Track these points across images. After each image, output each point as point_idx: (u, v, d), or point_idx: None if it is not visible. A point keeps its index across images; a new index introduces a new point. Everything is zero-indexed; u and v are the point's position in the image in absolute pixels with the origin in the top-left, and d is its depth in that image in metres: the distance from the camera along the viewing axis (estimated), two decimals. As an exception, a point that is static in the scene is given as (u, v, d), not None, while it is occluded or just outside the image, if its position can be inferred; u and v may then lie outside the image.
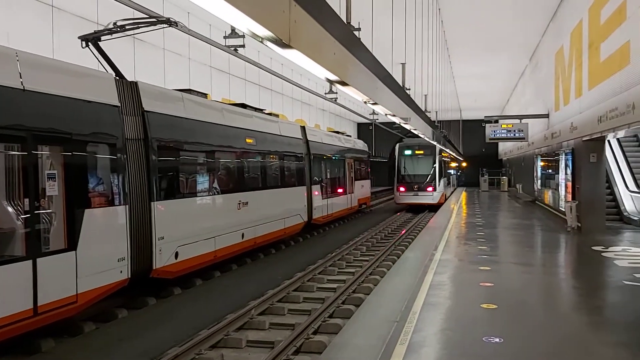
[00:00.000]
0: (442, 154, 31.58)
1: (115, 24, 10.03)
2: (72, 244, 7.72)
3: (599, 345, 6.25)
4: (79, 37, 9.87)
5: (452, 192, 39.65)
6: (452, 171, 42.91)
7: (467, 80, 34.43)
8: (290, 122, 20.23)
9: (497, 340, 6.17)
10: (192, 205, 11.34)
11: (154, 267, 9.74)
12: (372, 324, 6.95)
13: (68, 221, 7.72)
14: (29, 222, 7.05)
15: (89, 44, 9.87)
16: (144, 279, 9.85)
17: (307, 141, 19.40)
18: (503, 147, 48.13)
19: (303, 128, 19.62)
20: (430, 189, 29.31)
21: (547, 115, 22.29)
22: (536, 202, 27.25)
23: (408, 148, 30.51)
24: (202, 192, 11.83)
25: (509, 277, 9.98)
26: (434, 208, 28.00)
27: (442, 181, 30.26)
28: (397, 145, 31.61)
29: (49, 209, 7.53)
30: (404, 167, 30.17)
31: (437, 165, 29.79)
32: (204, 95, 12.95)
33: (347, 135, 28.71)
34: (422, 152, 30.00)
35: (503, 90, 40.24)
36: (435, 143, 27.42)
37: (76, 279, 7.74)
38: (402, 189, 29.65)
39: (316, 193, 19.63)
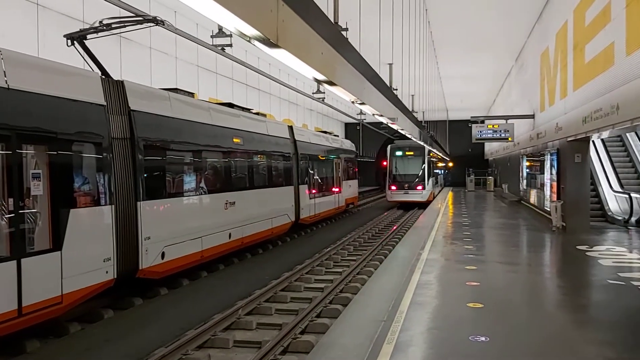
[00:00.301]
0: (431, 155, 33.37)
1: (101, 22, 9.95)
2: (57, 244, 7.66)
3: (583, 344, 6.32)
4: (65, 36, 9.78)
5: (439, 191, 41.25)
6: (438, 171, 44.94)
7: (454, 80, 34.61)
8: (278, 122, 20.21)
9: (483, 339, 6.21)
10: (178, 205, 11.28)
11: (140, 268, 9.69)
12: (360, 323, 6.97)
13: (53, 221, 7.65)
14: (13, 222, 6.98)
15: (75, 42, 9.78)
16: (130, 280, 9.79)
17: (294, 141, 19.38)
18: (489, 147, 48.46)
19: (291, 128, 19.61)
20: (419, 187, 31.01)
21: (532, 116, 22.47)
22: (522, 201, 27.47)
23: (399, 149, 32.13)
24: (189, 192, 11.77)
25: (495, 276, 10.05)
26: (423, 205, 29.46)
27: (430, 180, 32.02)
28: (389, 146, 32.99)
29: (34, 209, 7.46)
30: (395, 167, 31.85)
31: (426, 165, 31.53)
32: (191, 94, 12.90)
33: (335, 135, 28.75)
34: (412, 153, 31.63)
35: (489, 91, 40.50)
36: (423, 144, 28.79)
37: (61, 280, 7.67)
38: (393, 187, 31.33)
39: (304, 193, 19.62)
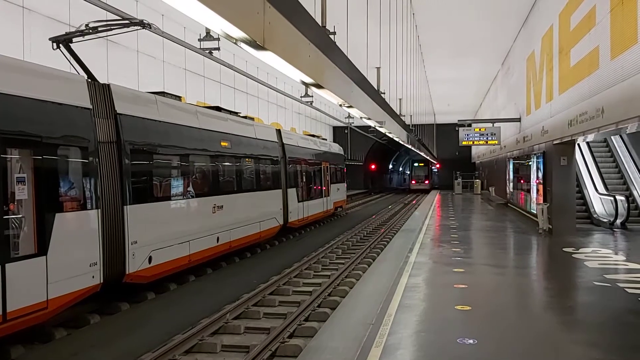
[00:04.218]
0: (430, 163, 59.40)
1: (87, 25, 9.87)
2: (42, 248, 7.57)
3: (570, 345, 6.37)
4: (50, 39, 9.70)
5: (435, 184, 63.82)
6: (435, 172, 66.57)
7: (441, 84, 34.82)
8: (266, 125, 20.17)
9: (471, 341, 6.23)
10: (166, 209, 11.22)
11: (127, 272, 9.61)
12: (348, 326, 6.96)
13: (38, 225, 7.57)
14: (-2, 227, 6.89)
15: (60, 45, 9.70)
16: (117, 284, 9.71)
17: (282, 144, 19.36)
18: (476, 150, 48.76)
19: (279, 131, 19.57)
20: (427, 181, 60.56)
21: (519, 119, 22.64)
22: (508, 204, 27.64)
23: (416, 161, 61.16)
24: (176, 196, 11.70)
25: (483, 278, 10.10)
26: (427, 191, 53.53)
27: (431, 177, 61.93)
28: (410, 160, 64.79)
29: (19, 213, 7.37)
30: (414, 171, 62.24)
31: (429, 170, 61.02)
32: (178, 98, 12.84)
33: (323, 139, 28.76)
34: (422, 164, 60.30)
35: (476, 95, 40.78)
36: (429, 158, 51.97)
37: (47, 285, 7.59)
38: (413, 182, 61.61)
39: (292, 196, 19.58)
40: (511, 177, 27.08)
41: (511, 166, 26.69)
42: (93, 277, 8.62)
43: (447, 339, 6.41)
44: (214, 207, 13.13)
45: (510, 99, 26.05)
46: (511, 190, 27.21)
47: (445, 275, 10.14)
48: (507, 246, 15.15)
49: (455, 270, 10.50)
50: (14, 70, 7.67)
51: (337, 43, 9.20)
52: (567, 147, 15.52)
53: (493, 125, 25.74)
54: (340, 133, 51.03)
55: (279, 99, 31.42)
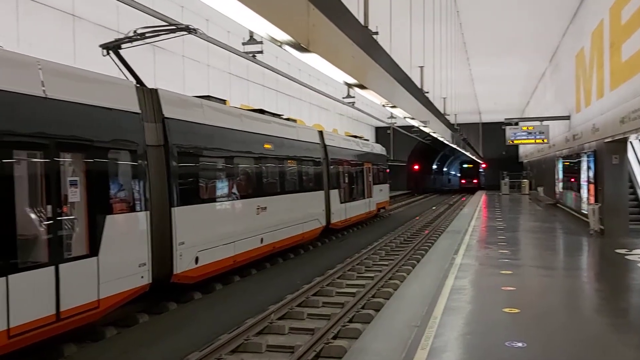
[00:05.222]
0: (477, 164, 65.01)
1: (135, 32, 10.13)
2: (94, 249, 7.80)
3: (622, 347, 6.16)
4: (100, 46, 9.98)
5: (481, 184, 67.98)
6: (482, 171, 69.77)
7: (487, 82, 34.16)
8: (308, 127, 20.24)
9: (520, 344, 6.09)
10: (211, 211, 11.39)
11: (175, 272, 9.79)
12: (392, 328, 6.92)
13: (90, 227, 7.80)
14: (52, 229, 7.13)
15: (110, 52, 9.98)
16: (165, 284, 9.91)
17: (324, 146, 19.38)
18: (523, 149, 47.64)
19: (321, 133, 19.61)
20: (475, 180, 66.24)
21: (568, 117, 22.04)
22: (557, 204, 26.92)
23: (465, 163, 68.90)
24: (221, 198, 11.87)
25: (531, 280, 9.87)
26: (474, 190, 55.45)
27: (479, 176, 66.36)
28: (460, 162, 72.64)
29: (71, 216, 7.62)
30: (463, 171, 69.72)
31: (476, 169, 66.64)
32: (223, 101, 13.02)
33: (365, 139, 28.65)
34: (471, 165, 67.15)
35: (523, 93, 39.87)
36: (474, 158, 53.88)
37: (98, 285, 7.81)
38: (463, 181, 68.99)
39: (334, 197, 19.58)
40: (560, 176, 26.36)
41: (560, 165, 25.98)
42: (142, 277, 8.83)
43: (495, 341, 6.29)
44: (258, 208, 13.26)
45: (559, 97, 25.38)
46: (560, 190, 26.48)
47: (492, 277, 9.95)
48: (556, 247, 14.76)
49: (503, 272, 10.29)
50: (65, 76, 7.93)
51: (380, 43, 9.16)
52: (619, 145, 15.02)
53: (541, 123, 25.12)
54: (382, 133, 50.68)
55: (321, 101, 31.49)
